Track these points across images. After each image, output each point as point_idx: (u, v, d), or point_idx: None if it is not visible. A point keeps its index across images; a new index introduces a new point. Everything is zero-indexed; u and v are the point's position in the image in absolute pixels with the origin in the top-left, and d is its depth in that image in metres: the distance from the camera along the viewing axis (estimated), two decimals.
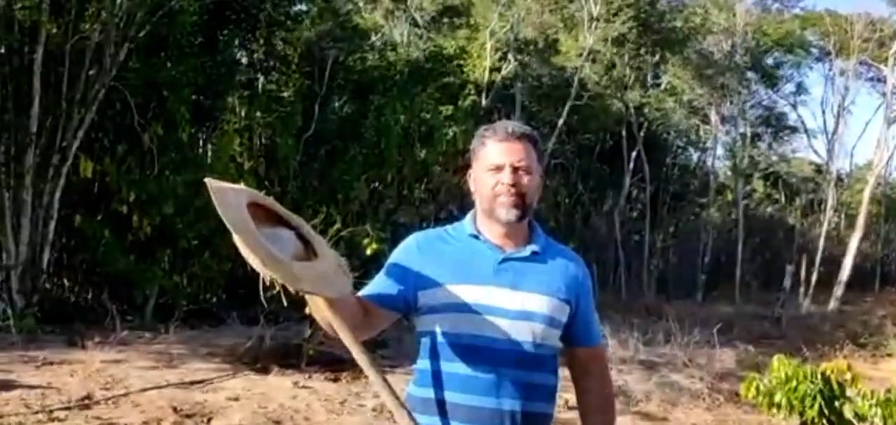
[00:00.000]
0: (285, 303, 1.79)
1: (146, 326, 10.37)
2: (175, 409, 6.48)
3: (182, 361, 8.45)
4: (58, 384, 7.01)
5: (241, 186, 1.90)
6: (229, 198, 1.78)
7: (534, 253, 2.06)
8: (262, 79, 14.77)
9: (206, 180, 1.79)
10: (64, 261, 11.98)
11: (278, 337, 9.20)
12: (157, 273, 11.18)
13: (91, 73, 10.41)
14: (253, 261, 1.69)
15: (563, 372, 2.14)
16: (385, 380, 1.85)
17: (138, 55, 11.18)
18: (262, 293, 1.72)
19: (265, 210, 1.93)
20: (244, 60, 14.81)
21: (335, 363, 8.46)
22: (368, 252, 8.06)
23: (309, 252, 1.93)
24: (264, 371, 8.24)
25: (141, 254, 11.29)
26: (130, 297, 11.41)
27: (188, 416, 6.37)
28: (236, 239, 1.69)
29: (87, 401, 6.55)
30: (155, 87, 11.39)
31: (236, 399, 7.05)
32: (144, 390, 7.02)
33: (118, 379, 7.35)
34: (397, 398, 1.84)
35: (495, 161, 2.02)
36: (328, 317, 1.84)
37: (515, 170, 2.01)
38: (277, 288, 1.71)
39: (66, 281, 12.14)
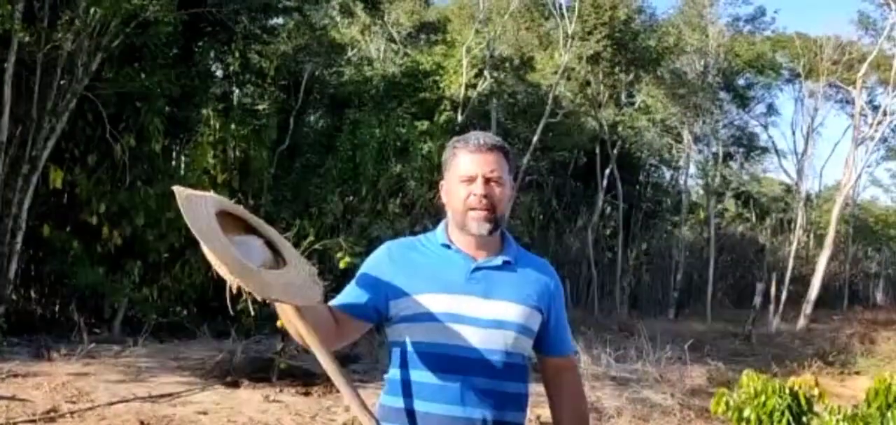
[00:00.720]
0: (253, 313, 1.77)
1: (114, 339, 10.24)
2: (142, 423, 6.39)
3: (151, 375, 8.34)
4: (23, 396, 6.89)
5: (211, 194, 1.89)
6: (197, 205, 1.77)
7: (505, 262, 2.06)
8: (237, 91, 14.73)
9: (175, 188, 1.78)
10: (31, 272, 11.79)
11: (249, 351, 9.13)
12: (126, 285, 11.04)
13: (63, 82, 10.30)
14: (220, 269, 1.67)
15: (536, 387, 2.15)
16: (353, 390, 1.84)
17: (111, 65, 11.07)
18: (229, 302, 1.71)
19: (235, 219, 1.91)
20: (219, 73, 14.76)
21: (307, 377, 8.41)
22: (342, 265, 8.01)
23: (278, 261, 1.91)
24: (234, 385, 8.16)
25: (110, 267, 11.15)
26: (99, 310, 11.27)
27: None
28: (203, 246, 1.67)
29: (52, 415, 6.44)
30: (128, 97, 11.28)
31: (205, 413, 6.97)
32: (111, 404, 6.92)
33: (85, 392, 7.23)
34: (366, 407, 1.83)
35: (467, 172, 2.02)
36: (297, 326, 1.82)
37: (487, 181, 2.01)
38: (245, 296, 1.70)
39: (33, 292, 11.95)
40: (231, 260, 1.69)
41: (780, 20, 53.61)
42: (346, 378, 1.83)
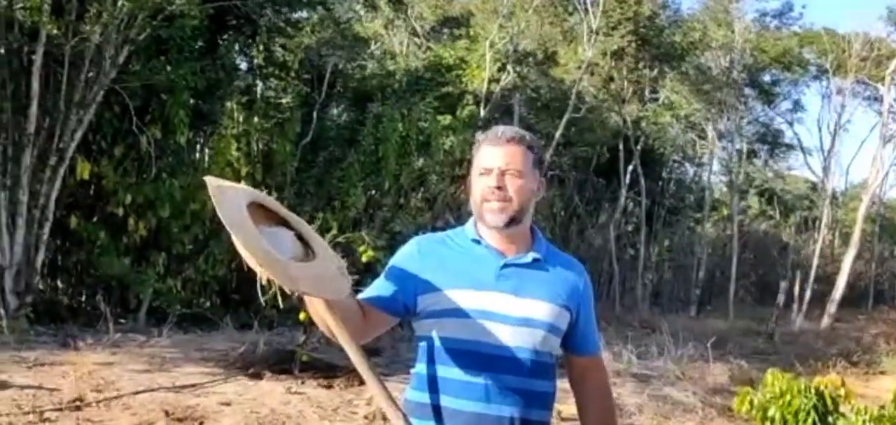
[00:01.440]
0: (281, 305, 1.79)
1: (139, 329, 10.35)
2: (166, 413, 6.46)
3: (174, 365, 8.42)
4: (49, 385, 6.99)
5: (242, 185, 1.90)
6: (228, 196, 1.78)
7: (535, 259, 2.05)
8: (260, 85, 14.79)
9: (206, 178, 1.79)
10: (58, 262, 11.95)
11: (272, 343, 9.20)
12: (151, 276, 11.16)
13: (90, 74, 10.40)
14: (250, 260, 1.69)
15: (559, 383, 2.14)
16: (381, 384, 1.84)
17: (138, 58, 11.18)
18: (260, 292, 1.73)
19: (266, 210, 1.93)
20: (243, 66, 14.84)
21: (329, 369, 8.45)
22: (364, 259, 8.04)
23: (308, 253, 1.92)
24: (257, 376, 8.22)
25: (135, 258, 11.28)
26: (124, 300, 11.40)
27: (180, 420, 6.36)
28: (234, 237, 1.69)
29: (78, 403, 6.53)
30: (154, 90, 11.40)
31: (228, 404, 7.03)
32: (136, 393, 7.00)
33: (110, 381, 7.32)
34: (393, 401, 1.84)
35: (485, 164, 2.02)
36: (326, 319, 1.82)
37: (502, 173, 2.00)
38: (274, 288, 1.71)
39: (59, 282, 12.11)
40: (260, 251, 1.70)
41: (807, 16, 52.91)
42: (373, 372, 1.83)
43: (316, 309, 1.84)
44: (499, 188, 1.99)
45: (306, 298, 1.83)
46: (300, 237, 1.95)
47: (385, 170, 14.80)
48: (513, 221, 2.01)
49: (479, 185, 2.03)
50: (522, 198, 2.02)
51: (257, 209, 1.87)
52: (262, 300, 1.79)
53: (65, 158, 10.32)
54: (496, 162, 2.01)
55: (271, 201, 1.98)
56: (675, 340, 11.31)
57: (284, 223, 1.96)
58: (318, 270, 1.87)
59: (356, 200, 13.96)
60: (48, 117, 10.22)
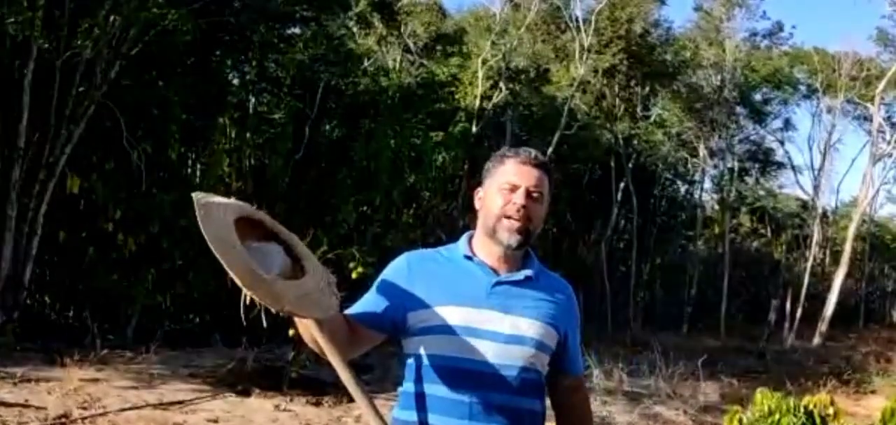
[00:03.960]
0: (265, 323, 1.77)
1: (127, 345, 10.28)
2: None
3: (162, 381, 8.37)
4: (35, 401, 6.93)
5: (232, 200, 1.87)
6: (213, 212, 1.75)
7: (527, 277, 2.04)
8: (253, 100, 14.79)
9: (193, 195, 1.76)
10: (46, 277, 11.87)
11: (261, 360, 9.15)
12: (140, 292, 11.10)
13: (81, 88, 10.39)
14: (234, 277, 1.67)
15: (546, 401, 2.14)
16: (370, 401, 1.82)
17: (130, 73, 11.16)
18: (242, 311, 1.70)
19: (255, 224, 1.90)
20: (236, 81, 14.84)
21: (317, 387, 8.42)
22: (354, 275, 8.02)
23: (296, 269, 1.89)
24: (245, 393, 8.17)
25: (125, 273, 11.21)
26: (113, 316, 11.32)
27: None
28: (217, 255, 1.66)
29: (64, 420, 6.48)
30: (145, 105, 11.38)
31: (215, 421, 6.99)
32: (122, 410, 6.95)
33: (96, 398, 7.27)
34: (381, 419, 1.82)
35: (512, 180, 2.00)
36: (314, 335, 1.80)
37: (529, 194, 1.99)
38: (259, 306, 1.69)
39: (47, 297, 12.03)
40: (244, 270, 1.68)
41: (798, 35, 53.36)
42: (362, 389, 1.81)
43: (304, 325, 1.82)
44: (524, 208, 1.98)
45: (295, 317, 1.81)
46: (290, 251, 1.92)
47: (376, 186, 14.79)
48: (524, 243, 2.01)
49: (501, 200, 2.00)
50: (539, 223, 2.03)
51: (246, 223, 1.84)
52: (243, 319, 1.76)
53: (55, 172, 10.29)
54: (526, 181, 1.99)
55: (261, 215, 1.94)
56: (666, 358, 11.30)
57: (275, 237, 1.93)
58: (307, 287, 1.84)
59: (347, 216, 13.95)
60: (38, 131, 10.19)
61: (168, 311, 11.56)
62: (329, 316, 1.85)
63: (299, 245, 1.96)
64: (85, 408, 6.90)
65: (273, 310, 1.70)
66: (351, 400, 8.34)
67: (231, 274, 1.66)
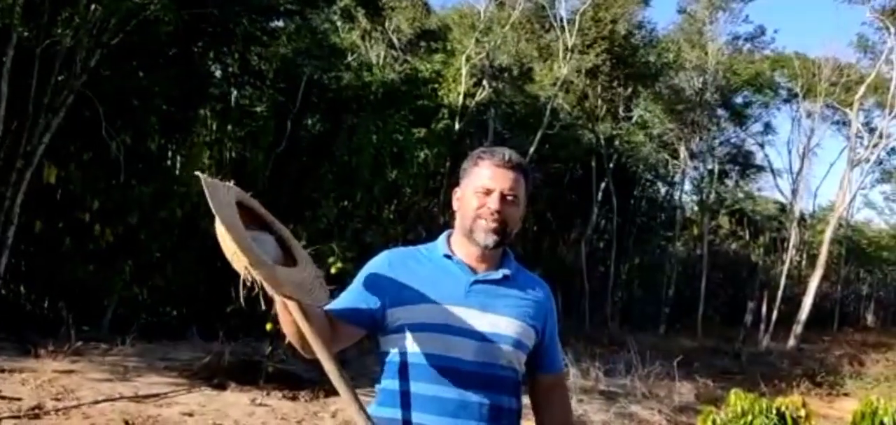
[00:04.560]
0: (263, 305, 1.77)
1: (103, 337, 10.19)
2: (127, 422, 6.38)
3: (137, 374, 8.32)
4: (8, 392, 6.87)
5: (231, 184, 1.88)
6: (220, 193, 1.77)
7: (505, 276, 2.07)
8: (235, 93, 14.71)
9: (199, 174, 1.77)
10: (22, 267, 11.75)
11: (237, 354, 9.11)
12: (117, 283, 11.01)
13: (61, 78, 10.28)
14: (238, 261, 1.67)
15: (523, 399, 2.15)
16: (355, 396, 1.82)
17: (110, 63, 11.05)
18: (241, 293, 1.71)
19: (249, 212, 1.91)
20: (218, 73, 14.74)
21: (294, 381, 8.40)
22: (333, 270, 8.00)
23: (288, 260, 1.91)
24: (221, 387, 8.14)
25: (101, 264, 11.11)
26: (89, 308, 11.22)
27: None
28: (224, 236, 1.67)
29: (37, 411, 6.43)
30: (125, 95, 11.27)
31: (191, 414, 6.96)
32: (97, 402, 6.90)
33: (70, 389, 7.22)
34: (366, 413, 1.82)
35: (486, 184, 2.02)
36: (302, 328, 1.80)
37: (504, 197, 2.01)
38: (256, 290, 1.70)
39: (22, 288, 11.90)
40: (252, 252, 1.69)
41: (779, 40, 53.91)
42: (347, 382, 1.82)
43: (290, 317, 1.82)
44: (499, 212, 2.00)
45: (280, 307, 1.81)
46: (281, 242, 1.93)
47: (358, 181, 14.77)
48: (500, 243, 2.04)
49: (476, 203, 2.03)
50: (515, 224, 2.06)
51: (243, 209, 1.85)
52: (241, 300, 1.77)
53: (32, 162, 10.18)
54: (500, 184, 2.02)
55: (255, 203, 1.96)
56: (642, 358, 11.38)
57: (266, 227, 1.94)
58: (302, 277, 1.85)
59: (328, 211, 13.92)
60: (16, 120, 10.07)
61: (145, 304, 11.48)
62: (319, 306, 1.87)
63: (289, 236, 1.98)
64: (58, 400, 6.85)
65: (272, 295, 1.71)
66: (328, 395, 8.36)
67: (237, 256, 1.67)
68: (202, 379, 8.37)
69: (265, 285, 1.69)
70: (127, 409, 6.80)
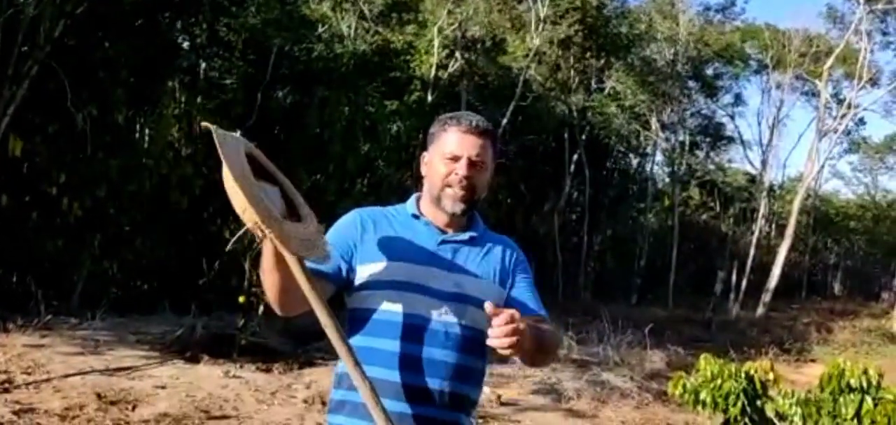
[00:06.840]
0: (264, 260, 1.74)
1: (73, 312, 10.06)
2: (98, 396, 6.31)
3: (109, 348, 8.23)
4: None
5: (238, 134, 1.86)
6: (230, 144, 1.75)
7: (472, 237, 2.08)
8: (203, 64, 14.48)
9: (207, 124, 1.76)
10: None
11: (210, 327, 9.05)
12: (86, 258, 10.85)
13: (24, 48, 10.05)
14: (248, 212, 1.65)
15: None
16: (350, 350, 1.82)
17: (74, 32, 10.82)
18: (238, 242, 1.70)
19: (253, 162, 1.87)
20: (186, 44, 14.49)
21: (267, 354, 8.38)
22: None
23: (292, 213, 1.90)
24: (194, 360, 8.09)
25: (70, 238, 10.93)
26: (58, 282, 11.06)
27: (112, 403, 6.22)
28: (235, 191, 1.65)
29: (6, 385, 6.34)
30: (91, 66, 11.04)
31: (163, 387, 6.91)
32: (67, 376, 6.82)
33: (40, 363, 7.12)
34: (362, 371, 1.81)
35: (453, 150, 2.02)
36: (302, 283, 1.78)
37: (472, 163, 2.01)
38: (258, 243, 1.69)
39: None
40: (262, 205, 1.68)
41: (749, 11, 54.32)
42: (342, 336, 1.82)
43: (277, 272, 1.81)
44: (468, 178, 2.00)
45: (268, 261, 1.80)
46: (284, 195, 1.93)
47: (330, 154, 14.66)
48: (468, 210, 2.05)
49: (444, 169, 2.03)
50: (483, 190, 2.07)
51: (250, 160, 1.83)
52: (247, 270, 1.75)
53: None
54: (468, 151, 2.02)
55: (260, 154, 1.93)
56: (615, 328, 11.50)
57: (271, 178, 1.92)
58: (308, 232, 1.86)
59: (299, 184, 13.79)
60: None
61: (115, 278, 11.33)
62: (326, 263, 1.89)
63: (293, 190, 1.97)
64: (29, 374, 6.76)
65: (284, 253, 1.71)
66: (302, 366, 8.33)
67: (247, 208, 1.65)
68: (175, 352, 8.31)
69: (275, 242, 1.69)
70: (98, 383, 6.73)
